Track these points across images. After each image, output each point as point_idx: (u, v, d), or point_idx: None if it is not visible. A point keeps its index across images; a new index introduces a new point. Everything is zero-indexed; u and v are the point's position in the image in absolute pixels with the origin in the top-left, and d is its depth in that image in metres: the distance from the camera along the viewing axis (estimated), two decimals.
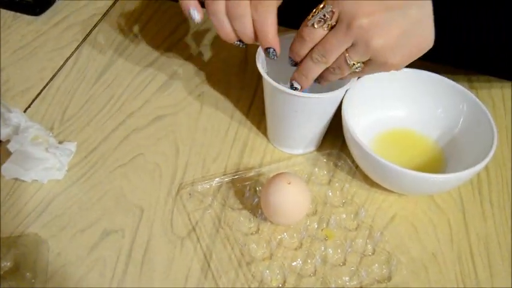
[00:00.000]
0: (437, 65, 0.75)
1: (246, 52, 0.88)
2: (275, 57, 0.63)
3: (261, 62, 0.66)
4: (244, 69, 0.86)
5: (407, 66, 0.61)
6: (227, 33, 0.63)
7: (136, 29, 0.92)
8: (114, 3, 0.95)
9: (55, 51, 0.88)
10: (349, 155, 0.72)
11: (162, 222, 0.66)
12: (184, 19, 0.91)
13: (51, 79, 0.83)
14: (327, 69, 0.61)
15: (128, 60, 0.86)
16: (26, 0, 0.94)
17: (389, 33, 0.55)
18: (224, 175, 0.71)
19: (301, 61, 0.62)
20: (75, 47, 0.89)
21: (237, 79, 0.84)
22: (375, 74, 0.63)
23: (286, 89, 0.63)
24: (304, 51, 0.60)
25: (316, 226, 0.65)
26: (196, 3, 0.63)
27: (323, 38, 0.59)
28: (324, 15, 0.57)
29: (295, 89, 0.64)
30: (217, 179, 0.69)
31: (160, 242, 0.65)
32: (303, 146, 0.73)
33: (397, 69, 0.59)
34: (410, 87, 0.73)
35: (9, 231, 0.64)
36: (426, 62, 0.66)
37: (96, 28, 0.92)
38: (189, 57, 0.87)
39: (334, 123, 0.71)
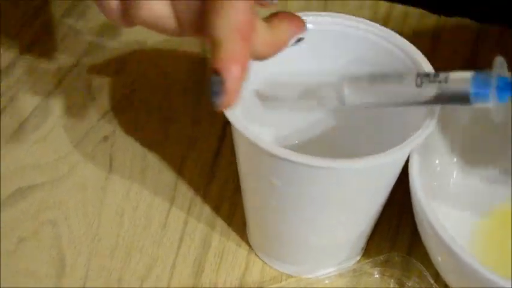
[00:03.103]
0: None
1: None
2: (218, 97, 0.42)
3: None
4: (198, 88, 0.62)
5: None
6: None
7: None
8: None
9: None
10: (428, 264, 0.49)
11: None
12: None
13: None
14: None
15: None
16: None
17: None
18: None
19: None
20: None
21: (185, 105, 0.61)
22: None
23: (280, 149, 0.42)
24: None
25: None
26: None
27: None
28: None
29: None
30: None
31: None
32: (329, 262, 0.50)
33: None
34: None
35: None
36: None
37: None
38: (85, 52, 0.63)
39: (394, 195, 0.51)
